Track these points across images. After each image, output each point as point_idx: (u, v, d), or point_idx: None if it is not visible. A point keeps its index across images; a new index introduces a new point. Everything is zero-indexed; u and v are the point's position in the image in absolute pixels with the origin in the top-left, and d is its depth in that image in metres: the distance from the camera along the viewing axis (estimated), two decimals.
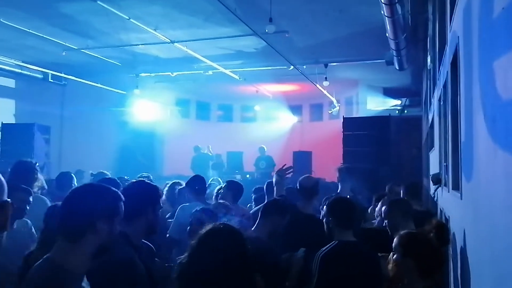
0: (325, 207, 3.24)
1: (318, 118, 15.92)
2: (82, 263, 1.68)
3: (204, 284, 2.06)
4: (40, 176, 4.19)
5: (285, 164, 4.60)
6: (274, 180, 4.41)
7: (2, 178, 1.60)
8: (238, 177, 11.04)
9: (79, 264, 1.67)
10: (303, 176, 4.38)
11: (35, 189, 4.08)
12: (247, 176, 11.71)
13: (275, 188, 4.33)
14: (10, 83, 10.91)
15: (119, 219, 1.82)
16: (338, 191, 5.30)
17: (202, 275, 2.09)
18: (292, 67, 9.82)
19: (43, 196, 4.18)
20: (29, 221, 3.29)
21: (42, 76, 10.88)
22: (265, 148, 12.74)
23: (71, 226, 1.70)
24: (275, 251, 3.08)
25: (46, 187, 4.91)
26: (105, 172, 6.82)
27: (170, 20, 7.69)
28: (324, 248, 2.96)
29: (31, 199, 3.35)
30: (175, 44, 8.59)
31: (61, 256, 1.67)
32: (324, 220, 3.25)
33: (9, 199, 1.58)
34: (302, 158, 11.79)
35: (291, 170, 4.58)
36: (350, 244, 2.99)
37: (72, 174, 5.28)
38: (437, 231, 2.38)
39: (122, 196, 1.87)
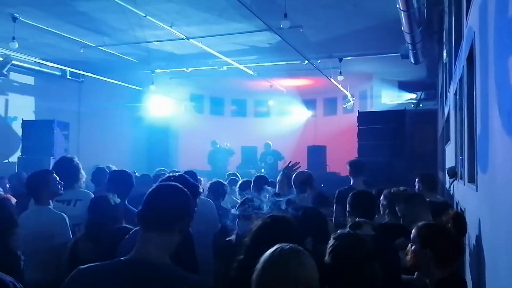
0: (339, 203, 3.28)
1: (332, 112, 15.88)
2: (168, 259, 1.73)
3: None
4: (82, 171, 4.35)
5: (290, 161, 4.65)
6: (278, 178, 4.45)
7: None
8: (252, 172, 11.14)
9: (168, 259, 1.73)
10: (296, 172, 4.46)
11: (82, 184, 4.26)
12: (262, 170, 11.79)
13: (277, 186, 4.35)
14: (30, 80, 11.11)
15: (192, 219, 1.90)
16: (351, 184, 5.35)
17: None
18: (306, 61, 9.83)
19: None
20: (63, 215, 3.44)
21: (61, 73, 11.07)
22: (271, 143, 12.83)
23: (167, 219, 1.75)
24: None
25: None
26: (111, 166, 6.99)
27: (185, 17, 7.77)
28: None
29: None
30: (190, 40, 8.68)
31: (155, 251, 1.70)
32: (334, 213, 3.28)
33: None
34: (317, 153, 11.82)
35: (299, 165, 4.62)
36: (367, 236, 3.03)
37: (106, 169, 5.41)
38: (455, 221, 2.43)
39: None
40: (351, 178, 5.48)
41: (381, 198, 3.82)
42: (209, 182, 5.39)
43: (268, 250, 1.81)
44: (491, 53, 2.14)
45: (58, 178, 3.62)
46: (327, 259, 2.19)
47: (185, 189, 1.90)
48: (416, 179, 5.05)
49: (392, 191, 3.85)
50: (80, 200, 3.79)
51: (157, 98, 13.52)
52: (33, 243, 3.06)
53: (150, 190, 1.84)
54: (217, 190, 5.13)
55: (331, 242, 2.28)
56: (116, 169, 5.78)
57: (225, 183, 5.47)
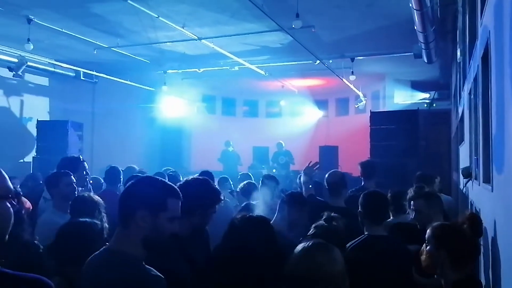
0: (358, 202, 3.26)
1: (344, 112, 15.81)
2: (135, 249, 1.78)
3: (235, 267, 2.23)
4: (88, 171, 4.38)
5: (310, 161, 4.64)
6: (302, 179, 4.45)
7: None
8: (264, 172, 11.15)
9: (132, 249, 1.78)
10: (329, 172, 4.43)
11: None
12: (274, 171, 11.80)
13: (303, 188, 4.37)
14: (44, 81, 11.27)
15: (169, 216, 1.82)
16: (362, 185, 5.32)
17: (233, 259, 2.26)
18: (318, 61, 9.80)
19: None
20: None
21: (74, 74, 11.21)
22: (283, 143, 12.82)
23: (121, 213, 1.84)
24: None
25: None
26: (134, 166, 7.06)
27: (197, 18, 7.81)
28: (354, 241, 3.01)
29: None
30: (202, 41, 8.71)
31: (116, 242, 1.83)
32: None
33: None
34: (328, 153, 11.79)
35: (318, 165, 4.61)
36: (380, 238, 3.01)
37: (121, 169, 5.46)
38: (471, 222, 2.39)
39: (179, 194, 1.89)
40: (362, 179, 5.46)
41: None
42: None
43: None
44: (507, 52, 2.12)
45: (75, 181, 3.58)
46: None
47: (153, 180, 1.95)
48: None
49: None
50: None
51: (169, 99, 13.61)
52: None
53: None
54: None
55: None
56: (137, 169, 5.85)
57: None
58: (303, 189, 4.33)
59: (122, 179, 5.11)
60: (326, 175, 4.33)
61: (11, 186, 1.24)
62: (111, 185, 5.07)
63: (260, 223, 2.52)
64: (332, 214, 3.00)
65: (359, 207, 3.16)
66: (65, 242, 2.45)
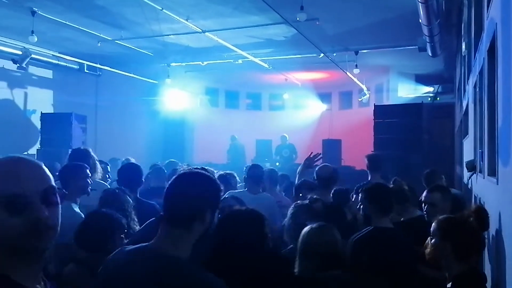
0: (360, 193, 3.28)
1: (348, 106, 15.78)
2: (189, 251, 1.69)
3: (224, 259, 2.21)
4: (98, 164, 4.39)
5: (311, 152, 4.63)
6: (298, 169, 4.46)
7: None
8: (267, 165, 11.16)
9: (187, 252, 1.68)
10: (320, 166, 4.41)
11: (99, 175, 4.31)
12: (277, 164, 11.80)
13: (297, 177, 4.38)
14: (48, 74, 11.28)
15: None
16: (369, 179, 5.31)
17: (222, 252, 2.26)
18: (322, 54, 9.78)
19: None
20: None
21: (78, 67, 11.23)
22: (287, 136, 12.82)
23: (184, 213, 1.69)
24: None
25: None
26: (131, 159, 7.09)
27: (200, 10, 7.79)
28: (359, 233, 3.02)
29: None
30: (206, 33, 8.70)
31: (167, 243, 1.67)
32: (360, 207, 3.27)
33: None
34: (332, 146, 11.78)
35: (320, 156, 4.61)
36: (386, 230, 3.03)
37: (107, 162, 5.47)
38: (477, 215, 2.38)
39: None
40: (369, 172, 5.44)
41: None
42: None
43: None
44: None
45: (90, 175, 3.60)
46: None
47: (208, 176, 1.83)
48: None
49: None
50: (95, 190, 3.72)
51: (172, 92, 13.61)
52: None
53: (170, 181, 1.79)
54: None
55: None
56: (134, 162, 5.85)
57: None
58: (297, 178, 4.35)
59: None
60: (317, 169, 4.32)
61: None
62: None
63: (250, 219, 2.42)
64: (315, 196, 3.46)
65: (364, 200, 3.16)
66: (92, 229, 2.55)
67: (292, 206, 3.26)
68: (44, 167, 1.16)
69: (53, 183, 1.15)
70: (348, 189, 4.20)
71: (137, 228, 3.06)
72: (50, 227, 1.10)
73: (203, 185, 1.76)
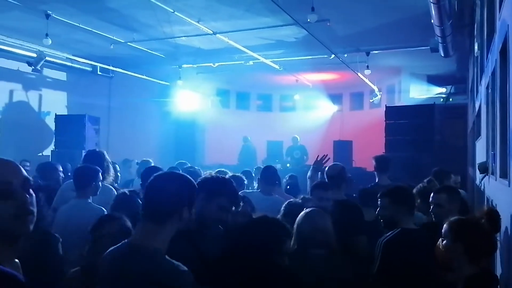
0: (382, 196, 3.26)
1: (359, 107, 15.71)
2: (164, 244, 1.81)
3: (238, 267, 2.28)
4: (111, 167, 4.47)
5: (318, 156, 4.63)
6: (308, 174, 4.47)
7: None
8: (278, 166, 11.17)
9: (162, 244, 1.80)
10: (329, 165, 4.42)
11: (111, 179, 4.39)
12: (287, 165, 11.81)
13: (308, 182, 4.39)
14: (62, 76, 11.44)
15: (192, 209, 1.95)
16: (377, 180, 5.29)
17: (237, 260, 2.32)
18: (333, 55, 9.76)
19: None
20: (103, 209, 3.52)
21: (91, 69, 11.35)
22: (298, 138, 12.80)
23: (159, 210, 1.82)
24: None
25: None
26: (149, 160, 7.14)
27: (212, 12, 7.84)
28: (387, 235, 3.03)
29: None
30: (217, 35, 8.74)
31: (145, 237, 1.81)
32: (380, 212, 3.27)
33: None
34: (343, 148, 11.73)
35: (328, 158, 4.61)
36: (413, 231, 3.06)
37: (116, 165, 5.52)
38: (489, 217, 2.36)
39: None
40: (376, 174, 5.43)
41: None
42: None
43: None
44: None
45: (102, 179, 3.77)
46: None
47: (184, 176, 1.97)
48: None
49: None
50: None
51: (184, 93, 13.70)
52: (75, 235, 3.13)
53: (150, 180, 1.92)
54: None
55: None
56: (152, 163, 5.88)
57: None
58: (308, 183, 4.35)
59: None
60: (326, 168, 4.34)
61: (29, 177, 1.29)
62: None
63: (269, 224, 2.51)
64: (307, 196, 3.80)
65: (390, 202, 3.16)
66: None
67: (285, 204, 3.57)
68: (18, 164, 1.29)
69: (28, 177, 1.28)
70: (376, 189, 4.20)
71: None
72: (31, 211, 1.23)
73: (180, 184, 1.88)
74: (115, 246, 1.88)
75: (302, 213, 2.96)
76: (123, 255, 1.81)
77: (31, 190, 1.26)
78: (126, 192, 3.48)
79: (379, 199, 3.27)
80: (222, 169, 5.43)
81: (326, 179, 4.24)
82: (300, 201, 3.75)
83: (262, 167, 5.48)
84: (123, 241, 1.88)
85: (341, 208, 3.55)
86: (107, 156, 4.45)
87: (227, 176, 2.70)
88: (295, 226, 2.89)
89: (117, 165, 5.85)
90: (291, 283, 2.32)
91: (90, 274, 2.29)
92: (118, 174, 5.48)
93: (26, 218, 1.21)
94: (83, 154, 8.62)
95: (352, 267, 2.88)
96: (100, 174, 3.72)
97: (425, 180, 4.72)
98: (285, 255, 2.44)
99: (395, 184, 3.91)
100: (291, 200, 3.76)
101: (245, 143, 13.12)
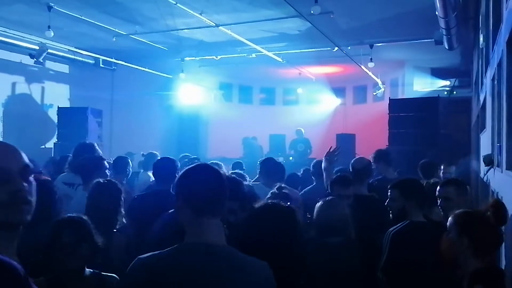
0: (392, 189, 3.25)
1: (362, 100, 15.65)
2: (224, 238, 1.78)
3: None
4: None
5: (331, 147, 4.63)
6: (323, 165, 4.44)
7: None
8: (281, 159, 11.15)
9: (223, 239, 1.77)
10: (355, 158, 4.42)
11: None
12: (290, 158, 11.79)
13: (324, 174, 4.36)
14: (65, 68, 11.41)
15: None
16: (383, 175, 5.28)
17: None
18: (336, 48, 9.70)
19: None
20: None
21: (94, 62, 11.33)
22: (303, 130, 12.75)
23: (219, 204, 1.79)
24: None
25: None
26: (155, 152, 7.11)
27: (214, 4, 7.79)
28: (395, 227, 3.02)
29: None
30: (220, 27, 8.70)
31: (215, 235, 1.74)
32: (389, 203, 3.25)
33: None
34: (346, 141, 11.67)
35: (339, 150, 4.60)
36: (422, 224, 3.06)
37: (129, 160, 5.38)
38: (495, 209, 2.30)
39: None
40: (376, 166, 5.38)
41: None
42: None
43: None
44: None
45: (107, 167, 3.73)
46: None
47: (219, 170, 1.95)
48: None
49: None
50: (82, 184, 3.78)
51: (187, 86, 13.66)
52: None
53: (192, 175, 1.82)
54: None
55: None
56: (158, 155, 5.80)
57: None
58: (324, 175, 4.33)
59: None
60: (352, 161, 4.34)
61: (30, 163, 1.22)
62: (118, 174, 4.83)
63: (283, 213, 2.38)
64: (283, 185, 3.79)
65: (400, 195, 3.14)
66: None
67: (269, 195, 3.51)
68: (18, 149, 1.22)
69: (29, 163, 1.21)
70: (384, 183, 4.18)
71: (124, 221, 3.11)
72: (28, 201, 1.16)
73: (223, 177, 1.87)
74: (171, 251, 1.67)
75: (320, 201, 3.08)
76: (209, 258, 1.66)
77: (31, 178, 1.19)
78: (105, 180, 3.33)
79: (389, 191, 3.26)
80: (215, 161, 5.35)
81: (352, 171, 4.23)
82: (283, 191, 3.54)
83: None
84: (184, 243, 1.70)
85: (367, 204, 3.59)
86: (97, 148, 4.40)
87: (222, 170, 2.59)
88: (314, 214, 3.04)
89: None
90: (311, 271, 2.30)
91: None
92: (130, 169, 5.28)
93: (20, 207, 1.14)
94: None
95: (369, 256, 2.94)
96: (104, 164, 3.68)
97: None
98: (304, 243, 2.38)
99: (404, 176, 3.91)
100: (275, 190, 3.55)
101: (252, 142, 12.91)
